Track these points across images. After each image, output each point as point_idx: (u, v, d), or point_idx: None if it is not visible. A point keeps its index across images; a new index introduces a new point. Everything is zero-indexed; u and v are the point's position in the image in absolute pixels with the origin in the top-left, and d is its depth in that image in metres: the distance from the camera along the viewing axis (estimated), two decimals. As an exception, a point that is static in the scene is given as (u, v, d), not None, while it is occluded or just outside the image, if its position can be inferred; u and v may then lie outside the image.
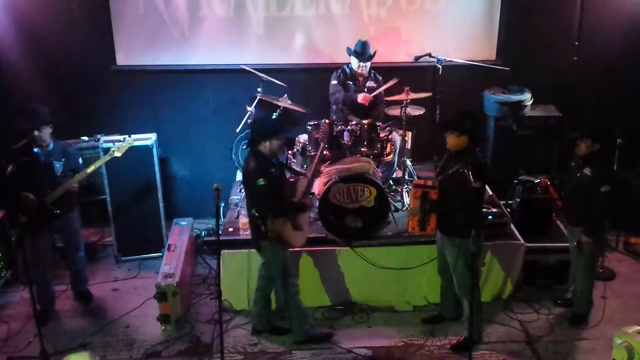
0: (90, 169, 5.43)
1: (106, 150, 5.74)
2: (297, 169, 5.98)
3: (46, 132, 5.33)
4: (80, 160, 5.64)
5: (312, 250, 5.64)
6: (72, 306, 5.90)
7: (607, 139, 5.23)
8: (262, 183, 4.78)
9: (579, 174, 5.20)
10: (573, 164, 5.32)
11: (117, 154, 5.51)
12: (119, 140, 6.32)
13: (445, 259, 5.18)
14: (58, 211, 5.37)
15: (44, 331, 5.08)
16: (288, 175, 5.39)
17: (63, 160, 5.44)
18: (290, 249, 5.19)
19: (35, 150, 5.34)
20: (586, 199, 5.15)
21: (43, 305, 5.58)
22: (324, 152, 5.73)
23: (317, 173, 5.42)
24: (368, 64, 6.38)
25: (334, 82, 6.46)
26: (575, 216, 5.37)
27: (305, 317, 5.33)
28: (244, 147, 5.03)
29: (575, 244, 5.33)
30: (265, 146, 4.91)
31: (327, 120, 5.87)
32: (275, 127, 5.16)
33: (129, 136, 5.73)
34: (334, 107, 6.50)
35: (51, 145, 5.40)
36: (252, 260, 5.57)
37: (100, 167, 5.45)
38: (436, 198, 4.91)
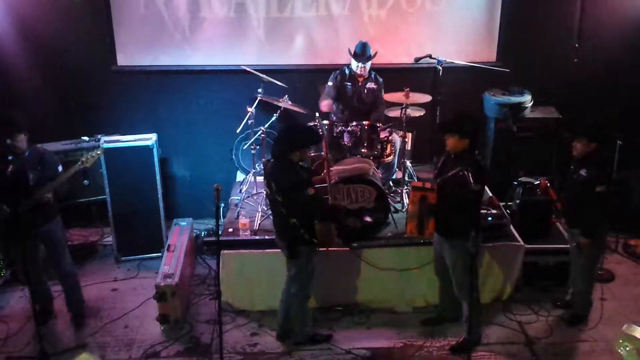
0: (59, 180, 5.11)
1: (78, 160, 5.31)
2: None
3: (20, 140, 5.07)
4: (60, 168, 5.25)
5: (311, 251, 5.64)
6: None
7: (603, 139, 5.21)
8: (310, 193, 4.79)
9: (575, 176, 5.20)
10: (572, 166, 5.32)
11: (87, 165, 5.19)
12: (117, 141, 6.37)
13: (442, 261, 5.18)
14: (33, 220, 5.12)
15: (43, 331, 5.08)
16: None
17: (39, 168, 5.14)
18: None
19: (9, 158, 5.10)
20: (583, 201, 5.16)
21: (41, 305, 5.53)
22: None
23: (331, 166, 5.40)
24: (368, 65, 6.37)
25: (330, 83, 6.46)
26: (573, 218, 5.38)
27: (307, 319, 5.33)
28: (273, 156, 4.99)
29: (574, 245, 5.33)
30: (297, 155, 4.89)
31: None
32: (309, 134, 5.13)
33: (100, 146, 5.42)
34: (333, 107, 6.49)
35: (27, 153, 5.15)
36: (252, 261, 5.57)
37: (69, 177, 5.14)
38: (435, 202, 4.91)
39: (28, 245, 5.21)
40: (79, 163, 5.14)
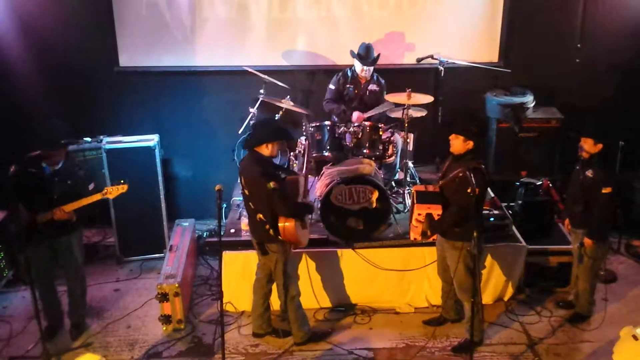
0: (79, 203, 5.01)
1: (100, 189, 5.20)
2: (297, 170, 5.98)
3: (58, 154, 5.05)
4: (92, 187, 5.21)
5: (313, 252, 5.64)
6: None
7: (609, 140, 5.21)
8: (273, 186, 4.74)
9: (581, 176, 5.19)
10: (577, 167, 5.32)
11: (110, 196, 5.14)
12: (120, 142, 6.37)
13: (445, 262, 5.18)
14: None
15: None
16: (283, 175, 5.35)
17: (69, 182, 5.08)
18: (294, 250, 5.20)
19: (43, 165, 5.04)
20: (588, 201, 5.15)
21: (50, 321, 5.44)
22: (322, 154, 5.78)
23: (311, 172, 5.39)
24: (371, 68, 6.38)
25: (332, 86, 6.46)
26: (577, 218, 5.37)
27: (304, 318, 5.33)
28: (244, 147, 4.98)
29: (578, 245, 5.32)
30: (267, 149, 4.89)
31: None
32: (281, 130, 5.11)
33: (124, 181, 5.21)
34: (333, 108, 6.50)
35: (60, 164, 5.09)
36: (254, 261, 5.57)
37: (90, 203, 5.04)
38: (440, 216, 4.91)
39: (42, 256, 5.15)
40: (104, 191, 5.09)
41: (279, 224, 4.86)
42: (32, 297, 4.79)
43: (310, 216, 5.36)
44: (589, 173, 5.12)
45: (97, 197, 5.08)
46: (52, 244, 5.19)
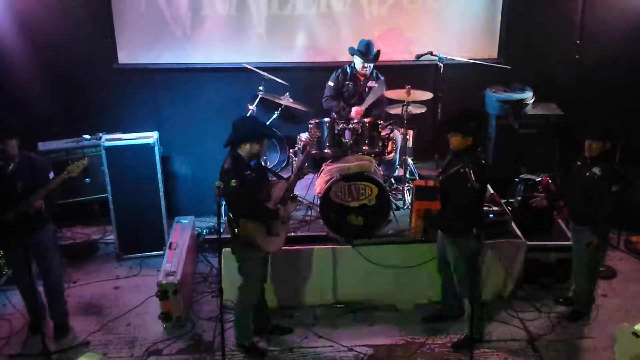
0: (46, 188, 4.92)
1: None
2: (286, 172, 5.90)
3: (11, 145, 4.88)
4: (51, 175, 5.06)
5: (313, 249, 5.64)
6: (73, 305, 5.88)
7: (617, 138, 5.17)
8: (233, 184, 4.66)
9: (587, 173, 5.13)
10: (579, 162, 5.28)
11: (72, 175, 4.99)
12: (119, 139, 6.37)
13: (446, 258, 5.18)
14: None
15: (45, 330, 5.08)
16: (273, 178, 5.22)
17: (29, 175, 4.96)
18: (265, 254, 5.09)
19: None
20: (596, 199, 5.09)
21: (32, 315, 5.39)
22: (325, 151, 5.77)
23: (300, 175, 5.22)
24: (372, 65, 6.37)
25: (330, 83, 6.45)
26: (582, 216, 5.31)
27: (248, 331, 5.20)
28: (224, 146, 4.90)
29: (585, 244, 5.24)
30: (245, 148, 4.80)
31: (314, 124, 5.80)
32: (258, 131, 4.92)
33: (85, 156, 5.24)
34: (333, 105, 6.49)
35: (17, 159, 4.95)
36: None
37: (57, 186, 4.97)
38: (439, 210, 4.90)
39: (18, 254, 5.01)
40: (65, 172, 4.95)
41: (239, 225, 4.80)
42: (33, 294, 4.80)
43: (290, 221, 5.29)
44: (597, 170, 5.07)
45: (60, 179, 4.96)
46: (26, 241, 4.97)
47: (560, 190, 5.89)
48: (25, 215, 4.88)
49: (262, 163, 5.09)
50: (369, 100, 6.25)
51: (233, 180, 4.68)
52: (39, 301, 5.42)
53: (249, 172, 4.83)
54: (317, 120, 5.93)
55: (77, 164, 4.99)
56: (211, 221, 7.10)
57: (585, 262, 5.36)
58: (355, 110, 6.29)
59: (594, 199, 5.12)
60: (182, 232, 6.28)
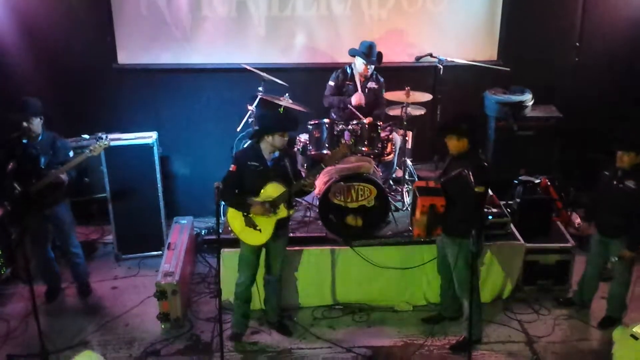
0: (68, 165, 5.40)
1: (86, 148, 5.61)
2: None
3: (36, 124, 5.41)
4: (72, 154, 5.60)
5: (312, 250, 5.64)
6: (72, 304, 5.90)
7: None
8: (230, 169, 4.94)
9: (621, 185, 5.06)
10: (606, 172, 5.20)
11: (94, 153, 5.47)
12: (118, 139, 6.37)
13: (446, 259, 5.18)
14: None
15: (43, 329, 5.08)
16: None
17: (51, 152, 5.47)
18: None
19: (24, 141, 5.42)
20: (630, 212, 5.01)
21: (49, 283, 5.90)
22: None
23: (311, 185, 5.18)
24: (373, 66, 6.38)
25: (331, 82, 6.46)
26: (613, 228, 5.21)
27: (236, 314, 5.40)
28: (248, 138, 5.05)
29: (616, 258, 5.18)
30: (268, 141, 4.91)
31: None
32: (280, 123, 5.06)
33: (106, 137, 5.65)
34: (333, 100, 6.49)
35: (40, 137, 5.47)
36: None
37: (78, 163, 5.44)
38: (443, 210, 4.90)
39: (37, 224, 5.58)
40: (88, 150, 5.42)
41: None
42: (31, 294, 4.81)
43: (290, 222, 5.36)
44: (631, 184, 5.01)
45: (83, 155, 5.43)
46: (45, 214, 5.57)
47: (592, 205, 5.65)
48: (48, 188, 5.39)
49: (288, 161, 5.07)
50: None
51: (232, 165, 4.95)
52: (56, 268, 5.94)
53: (255, 163, 4.94)
54: (316, 121, 5.94)
55: (99, 144, 5.49)
56: (210, 221, 7.09)
57: (620, 269, 5.27)
58: (355, 97, 6.29)
59: (626, 211, 5.04)
60: (180, 233, 6.28)
